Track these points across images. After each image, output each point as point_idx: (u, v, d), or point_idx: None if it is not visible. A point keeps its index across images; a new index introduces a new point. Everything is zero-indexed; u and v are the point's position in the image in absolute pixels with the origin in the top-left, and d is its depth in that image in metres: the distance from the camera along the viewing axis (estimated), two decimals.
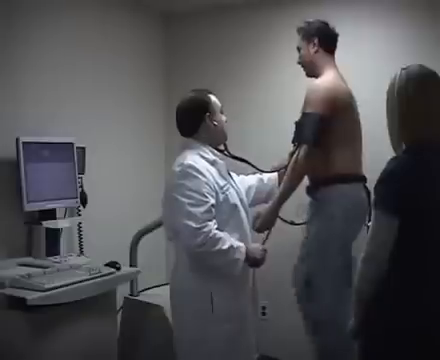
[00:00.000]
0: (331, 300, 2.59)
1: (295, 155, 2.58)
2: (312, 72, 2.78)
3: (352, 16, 3.60)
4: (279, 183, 2.68)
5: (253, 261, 2.41)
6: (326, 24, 2.81)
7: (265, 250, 2.46)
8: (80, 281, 2.59)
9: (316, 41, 2.76)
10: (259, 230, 2.58)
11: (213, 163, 2.43)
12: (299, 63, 2.85)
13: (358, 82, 3.09)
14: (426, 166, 1.84)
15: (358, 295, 1.92)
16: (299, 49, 2.82)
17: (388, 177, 1.83)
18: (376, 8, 3.54)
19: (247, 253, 2.36)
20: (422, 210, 1.81)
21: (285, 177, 2.61)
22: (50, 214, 2.97)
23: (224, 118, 2.53)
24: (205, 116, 2.46)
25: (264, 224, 2.60)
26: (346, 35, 3.54)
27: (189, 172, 2.33)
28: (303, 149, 2.56)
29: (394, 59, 3.26)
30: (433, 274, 1.83)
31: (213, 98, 2.51)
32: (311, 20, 2.81)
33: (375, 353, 1.87)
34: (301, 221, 2.74)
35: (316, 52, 2.76)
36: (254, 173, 2.76)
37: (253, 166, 2.73)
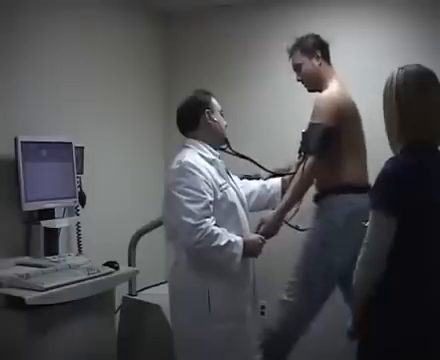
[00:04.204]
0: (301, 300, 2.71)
1: (302, 165, 2.59)
2: (316, 86, 2.78)
3: (354, 15, 3.60)
4: (283, 190, 2.70)
5: (251, 253, 2.44)
6: (318, 36, 2.81)
7: (263, 240, 2.48)
8: (79, 281, 2.58)
9: (319, 54, 2.77)
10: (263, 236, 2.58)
11: (212, 162, 2.46)
12: (300, 80, 2.83)
13: (360, 81, 3.10)
14: (424, 166, 1.84)
15: (355, 297, 1.92)
16: (299, 66, 2.80)
17: (386, 178, 1.83)
18: (378, 7, 3.54)
19: (245, 246, 2.38)
20: (421, 210, 1.81)
21: (291, 186, 2.63)
22: (49, 214, 2.97)
23: (225, 122, 2.56)
24: (205, 112, 2.49)
25: (268, 231, 2.60)
26: (348, 34, 3.56)
27: (187, 169, 2.35)
28: (310, 159, 2.58)
29: (396, 58, 3.25)
30: (433, 274, 1.83)
31: (213, 99, 2.57)
32: (304, 35, 2.81)
33: (374, 353, 1.87)
34: (306, 227, 2.76)
35: (320, 65, 2.77)
36: (258, 177, 2.77)
37: (256, 163, 2.74)
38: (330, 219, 2.64)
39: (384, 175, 1.84)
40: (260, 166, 2.76)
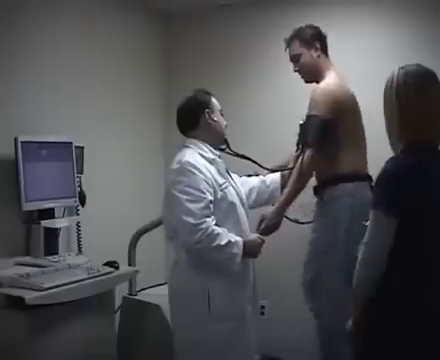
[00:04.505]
0: (331, 300, 2.59)
1: (301, 158, 2.59)
2: (313, 77, 2.77)
3: (354, 15, 3.60)
4: (282, 185, 2.69)
5: (250, 253, 2.44)
6: (316, 27, 2.81)
7: (262, 240, 2.48)
8: (79, 280, 2.58)
9: (318, 45, 2.76)
10: (264, 233, 2.57)
11: (212, 162, 2.46)
12: (297, 71, 2.81)
13: (360, 81, 3.09)
14: (424, 166, 1.84)
15: (355, 297, 1.92)
16: (298, 56, 2.79)
17: (386, 177, 1.83)
18: (378, 7, 3.54)
19: (244, 246, 2.38)
20: (421, 210, 1.81)
21: (291, 179, 2.62)
22: (49, 213, 2.97)
23: (225, 122, 2.57)
24: (205, 112, 2.49)
25: (270, 227, 2.60)
26: (348, 34, 3.55)
27: (187, 169, 2.35)
28: (308, 152, 2.57)
29: (396, 58, 3.25)
30: (433, 274, 1.83)
31: (213, 98, 2.57)
32: (302, 26, 2.80)
33: (374, 353, 1.87)
34: (306, 220, 2.75)
35: (319, 56, 2.76)
36: (257, 174, 2.77)
37: (255, 162, 2.74)
38: (334, 215, 2.61)
39: (384, 175, 1.83)
40: (260, 165, 2.76)
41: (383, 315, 1.84)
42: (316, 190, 2.75)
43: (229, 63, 4.03)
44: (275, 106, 3.86)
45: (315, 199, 2.78)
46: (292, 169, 2.64)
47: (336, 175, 2.65)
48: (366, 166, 2.72)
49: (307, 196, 2.72)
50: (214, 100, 2.56)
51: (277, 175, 2.75)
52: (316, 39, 2.77)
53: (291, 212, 2.72)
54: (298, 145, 2.66)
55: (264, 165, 2.78)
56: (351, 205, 2.57)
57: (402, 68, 1.89)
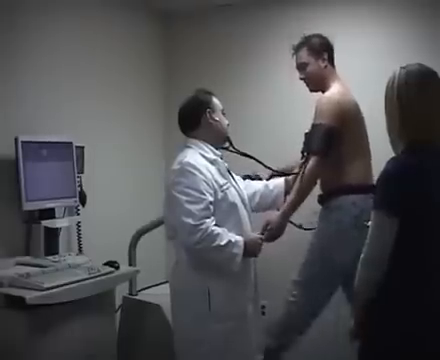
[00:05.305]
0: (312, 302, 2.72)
1: (305, 165, 2.59)
2: (319, 87, 2.78)
3: (354, 15, 3.61)
4: (286, 191, 2.70)
5: (251, 253, 2.45)
6: (325, 37, 2.81)
7: (263, 240, 2.48)
8: (79, 280, 2.58)
9: (326, 56, 2.77)
10: (269, 239, 2.57)
11: (213, 162, 2.46)
12: (303, 79, 2.82)
13: (360, 81, 3.10)
14: (425, 166, 1.84)
15: (357, 297, 1.92)
16: (305, 65, 2.79)
17: (387, 178, 1.83)
18: (378, 7, 3.54)
19: (245, 246, 2.38)
20: (421, 210, 1.81)
21: (295, 186, 2.62)
22: (49, 213, 2.97)
23: (226, 122, 2.56)
24: (206, 111, 2.49)
25: (274, 233, 2.59)
26: (348, 34, 3.56)
27: (187, 169, 2.35)
28: (313, 160, 2.58)
29: (396, 58, 3.25)
30: (433, 274, 1.83)
31: (215, 98, 2.57)
32: (310, 34, 2.80)
33: (374, 353, 1.87)
34: (310, 227, 2.76)
35: (325, 67, 2.77)
36: (256, 174, 2.77)
37: (259, 161, 2.74)
38: (339, 219, 2.63)
39: (385, 175, 1.84)
40: (263, 164, 2.76)
41: (383, 315, 1.84)
42: (321, 199, 2.76)
43: (229, 63, 4.03)
44: (275, 106, 3.86)
45: (320, 207, 2.79)
46: (296, 174, 2.66)
47: (340, 186, 2.66)
48: (371, 176, 2.71)
49: (312, 203, 2.73)
50: (215, 100, 2.56)
51: (281, 180, 2.75)
52: (324, 49, 2.78)
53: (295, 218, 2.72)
54: (303, 153, 2.66)
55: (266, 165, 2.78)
56: (355, 214, 2.59)
57: (404, 68, 1.89)
